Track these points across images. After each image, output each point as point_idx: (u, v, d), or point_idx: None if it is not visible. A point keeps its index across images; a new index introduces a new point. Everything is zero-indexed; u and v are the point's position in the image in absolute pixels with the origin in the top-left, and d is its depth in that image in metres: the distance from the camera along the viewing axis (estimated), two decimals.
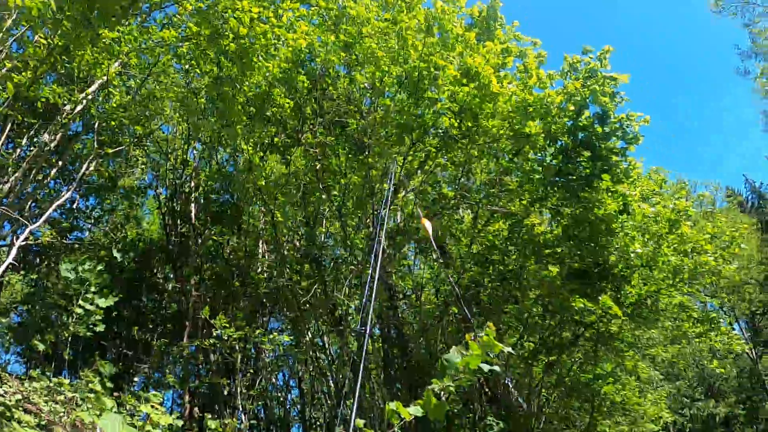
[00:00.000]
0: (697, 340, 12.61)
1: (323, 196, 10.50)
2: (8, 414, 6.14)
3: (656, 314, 11.38)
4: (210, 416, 9.04)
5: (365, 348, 3.43)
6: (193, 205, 13.26)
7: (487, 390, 11.36)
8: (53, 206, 10.98)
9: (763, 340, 34.42)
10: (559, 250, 10.28)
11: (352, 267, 10.00)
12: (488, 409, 10.67)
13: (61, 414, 7.05)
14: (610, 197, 9.89)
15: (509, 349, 4.16)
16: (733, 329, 19.31)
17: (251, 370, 11.03)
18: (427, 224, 4.56)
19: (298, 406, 13.87)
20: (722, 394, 36.43)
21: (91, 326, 9.67)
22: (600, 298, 9.71)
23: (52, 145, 10.74)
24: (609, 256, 10.51)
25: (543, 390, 11.67)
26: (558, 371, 11.43)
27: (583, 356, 11.51)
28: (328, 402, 11.38)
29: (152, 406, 7.02)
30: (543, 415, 11.63)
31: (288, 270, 10.84)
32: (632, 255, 10.34)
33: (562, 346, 10.92)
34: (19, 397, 6.76)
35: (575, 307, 9.52)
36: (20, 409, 6.45)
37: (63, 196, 11.47)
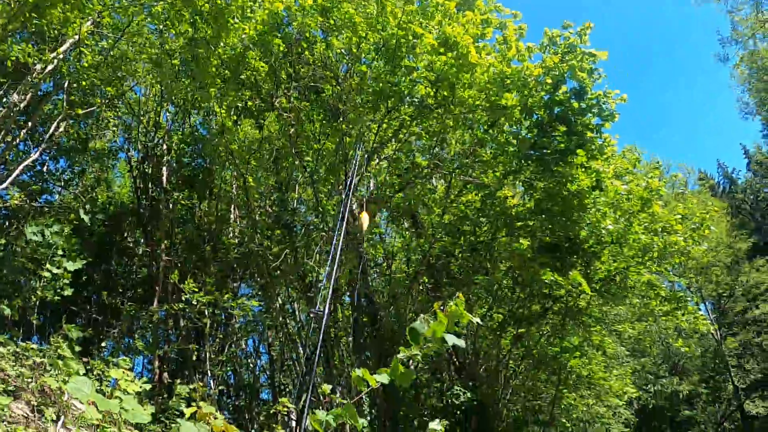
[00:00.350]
0: (663, 318, 12.83)
1: (296, 162, 10.39)
2: None
3: (624, 291, 11.56)
4: (179, 381, 8.98)
5: (323, 330, 3.33)
6: (164, 168, 13.04)
7: (455, 360, 11.47)
8: (20, 166, 10.74)
9: (728, 321, 35.26)
10: (530, 223, 10.33)
11: (323, 234, 9.97)
12: (456, 379, 10.79)
13: (29, 379, 6.93)
14: (583, 173, 9.94)
15: (477, 319, 4.16)
16: (700, 310, 19.75)
17: (220, 336, 10.98)
18: (365, 218, 4.49)
19: (268, 372, 13.89)
20: (686, 373, 37.31)
21: (59, 290, 9.49)
22: (570, 273, 9.82)
23: (22, 105, 10.46)
24: (580, 232, 10.60)
25: (510, 361, 11.82)
26: (526, 343, 11.57)
27: (551, 329, 11.66)
28: (297, 369, 11.42)
29: (122, 371, 6.93)
30: (510, 386, 11.80)
31: (259, 235, 10.76)
32: (603, 231, 10.44)
33: (530, 318, 11.05)
34: None
35: (545, 280, 9.60)
36: None
37: (31, 156, 11.21)
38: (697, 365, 36.24)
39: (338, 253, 3.91)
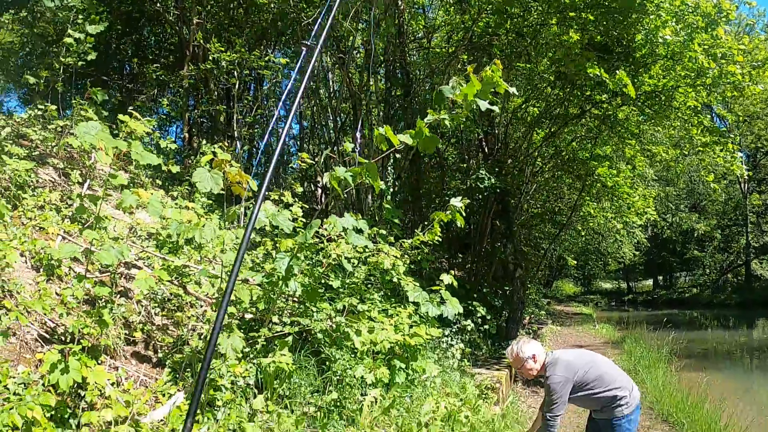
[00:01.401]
0: (700, 148, 12.39)
1: None
2: None
3: (668, 111, 11.06)
4: (207, 143, 8.92)
5: (312, 67, 2.87)
6: None
7: (484, 147, 11.33)
8: None
9: (758, 177, 34.82)
10: (584, 15, 9.58)
11: None
12: (482, 164, 10.71)
13: (54, 143, 6.85)
14: None
15: (513, 90, 3.81)
16: (738, 152, 19.23)
17: (248, 98, 10.78)
18: None
19: (298, 142, 13.91)
20: (705, 214, 37.72)
21: (83, 55, 9.15)
22: (617, 73, 9.26)
23: None
24: (635, 35, 9.88)
25: (539, 159, 11.65)
26: (557, 143, 11.32)
27: (585, 133, 11.34)
28: (326, 136, 11.36)
29: (134, 117, 6.78)
30: (535, 182, 11.73)
31: None
32: (660, 41, 9.68)
33: (566, 118, 10.68)
34: (9, 130, 6.47)
35: (590, 74, 9.07)
36: (10, 143, 6.21)
37: None
38: (717, 210, 36.45)
39: None
